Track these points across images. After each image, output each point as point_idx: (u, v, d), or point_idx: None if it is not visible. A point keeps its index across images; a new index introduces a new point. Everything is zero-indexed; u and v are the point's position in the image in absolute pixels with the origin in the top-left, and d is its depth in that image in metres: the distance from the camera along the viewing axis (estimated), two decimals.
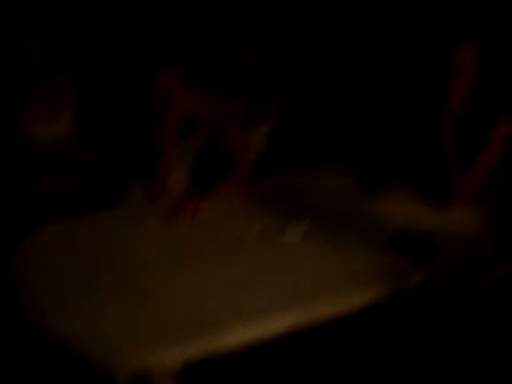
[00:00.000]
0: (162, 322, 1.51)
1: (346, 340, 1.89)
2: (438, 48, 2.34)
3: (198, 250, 1.84)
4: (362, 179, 2.33)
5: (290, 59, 3.10)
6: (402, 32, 3.12)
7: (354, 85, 3.30)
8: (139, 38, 2.63)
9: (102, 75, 2.52)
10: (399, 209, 2.12)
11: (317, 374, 1.87)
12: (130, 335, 1.46)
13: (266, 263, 1.76)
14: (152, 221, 2.04)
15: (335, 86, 3.33)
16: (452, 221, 2.07)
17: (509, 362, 1.66)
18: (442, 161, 2.21)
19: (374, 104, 2.98)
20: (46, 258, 1.80)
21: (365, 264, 1.76)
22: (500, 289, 1.75)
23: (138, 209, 2.16)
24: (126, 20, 2.71)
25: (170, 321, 1.51)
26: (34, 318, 1.54)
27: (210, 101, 2.34)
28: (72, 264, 1.76)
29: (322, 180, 2.36)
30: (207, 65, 2.54)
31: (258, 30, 2.65)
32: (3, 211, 2.29)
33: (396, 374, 1.83)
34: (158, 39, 2.57)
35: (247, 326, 1.51)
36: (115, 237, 1.92)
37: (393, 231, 1.93)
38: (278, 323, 1.54)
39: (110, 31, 2.67)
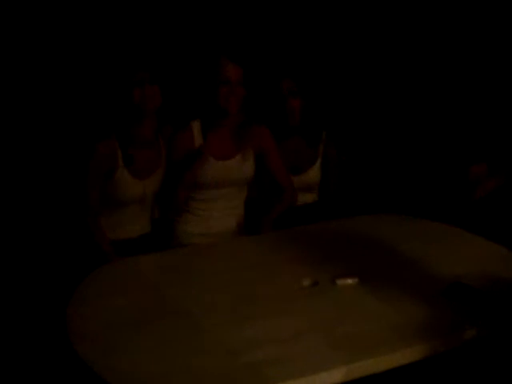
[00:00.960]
0: (204, 375, 1.46)
1: None
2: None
3: (249, 298, 1.82)
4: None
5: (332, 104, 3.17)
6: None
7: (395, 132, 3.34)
8: None
9: None
10: (453, 256, 2.08)
11: None
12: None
13: (316, 317, 1.71)
14: (205, 265, 2.06)
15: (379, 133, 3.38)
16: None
17: None
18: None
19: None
20: (102, 299, 1.82)
21: (418, 318, 1.69)
22: None
23: (192, 251, 2.21)
24: None
25: (213, 372, 1.47)
26: (84, 355, 1.52)
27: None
28: (127, 307, 1.77)
29: (367, 229, 2.35)
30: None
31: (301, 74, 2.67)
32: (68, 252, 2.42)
33: None
34: None
35: (296, 380, 1.45)
36: (169, 280, 1.94)
37: (446, 280, 1.86)
38: (327, 378, 1.48)
39: None
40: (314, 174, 2.69)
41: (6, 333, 2.37)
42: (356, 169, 2.94)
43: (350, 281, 1.90)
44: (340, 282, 1.89)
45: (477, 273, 1.94)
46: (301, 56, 3.35)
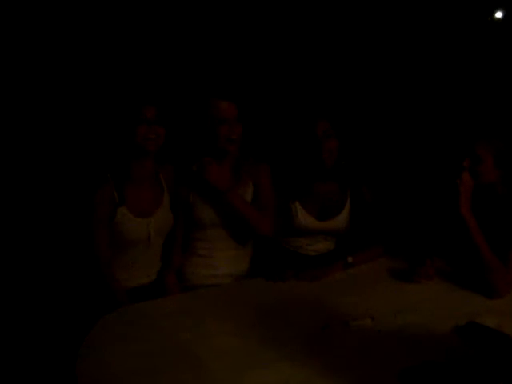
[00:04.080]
0: None
1: None
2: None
3: (261, 342, 1.80)
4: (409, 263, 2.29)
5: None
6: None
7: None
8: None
9: None
10: (466, 295, 2.07)
11: None
12: None
13: (329, 361, 1.68)
14: (216, 309, 2.04)
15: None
16: None
17: None
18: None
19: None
20: (112, 346, 1.80)
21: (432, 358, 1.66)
22: None
23: (203, 295, 2.20)
24: None
25: None
26: None
27: None
28: (138, 354, 1.75)
29: (379, 269, 2.36)
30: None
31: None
32: (76, 300, 2.36)
33: None
34: None
35: None
36: (180, 325, 1.92)
37: (460, 320, 1.85)
38: None
39: None
40: (341, 220, 2.59)
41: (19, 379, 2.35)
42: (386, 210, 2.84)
43: (363, 322, 1.88)
44: (353, 323, 1.88)
45: (492, 312, 1.93)
46: (332, 97, 3.33)
